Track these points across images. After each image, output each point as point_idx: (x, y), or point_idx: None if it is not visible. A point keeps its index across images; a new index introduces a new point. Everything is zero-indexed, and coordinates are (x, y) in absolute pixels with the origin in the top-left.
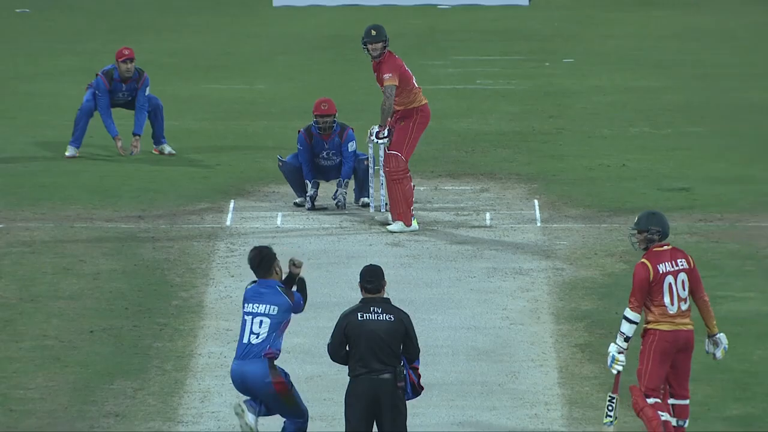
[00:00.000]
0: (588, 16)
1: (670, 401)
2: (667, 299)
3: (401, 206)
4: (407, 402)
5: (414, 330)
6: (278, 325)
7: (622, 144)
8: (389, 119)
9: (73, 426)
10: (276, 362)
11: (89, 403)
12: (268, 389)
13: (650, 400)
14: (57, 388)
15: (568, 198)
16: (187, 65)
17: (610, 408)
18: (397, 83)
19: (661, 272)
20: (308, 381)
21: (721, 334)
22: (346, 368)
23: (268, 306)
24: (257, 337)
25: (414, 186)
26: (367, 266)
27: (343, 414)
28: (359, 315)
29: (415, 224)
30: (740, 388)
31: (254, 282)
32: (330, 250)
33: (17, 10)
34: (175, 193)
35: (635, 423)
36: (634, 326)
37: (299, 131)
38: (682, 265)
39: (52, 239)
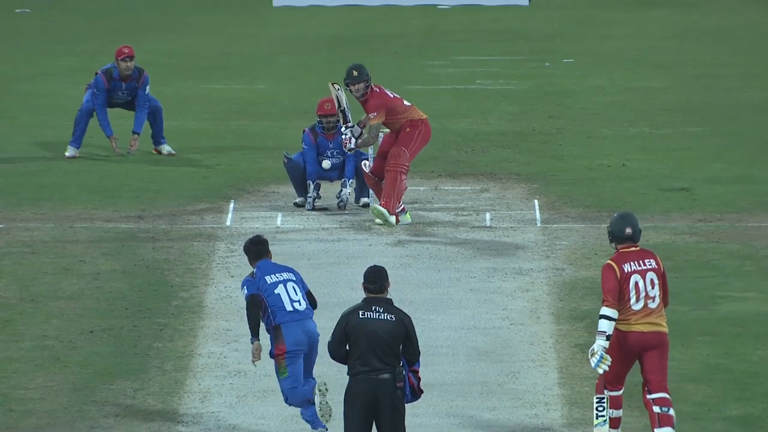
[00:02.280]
0: (588, 16)
1: (650, 396)
2: (633, 297)
3: (392, 196)
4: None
5: (415, 332)
6: (304, 290)
7: (622, 144)
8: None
9: (73, 426)
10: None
11: (89, 403)
12: (317, 343)
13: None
14: (57, 388)
15: (568, 198)
16: (187, 65)
17: (600, 408)
18: (382, 120)
19: (626, 271)
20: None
21: None
22: (345, 368)
23: (286, 272)
24: (300, 304)
25: (407, 187)
26: (370, 267)
27: (343, 413)
28: (360, 314)
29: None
30: (740, 388)
31: (251, 273)
32: (330, 250)
33: (17, 10)
34: (175, 193)
35: (635, 423)
36: (613, 323)
37: (304, 130)
38: (650, 264)
39: (52, 239)
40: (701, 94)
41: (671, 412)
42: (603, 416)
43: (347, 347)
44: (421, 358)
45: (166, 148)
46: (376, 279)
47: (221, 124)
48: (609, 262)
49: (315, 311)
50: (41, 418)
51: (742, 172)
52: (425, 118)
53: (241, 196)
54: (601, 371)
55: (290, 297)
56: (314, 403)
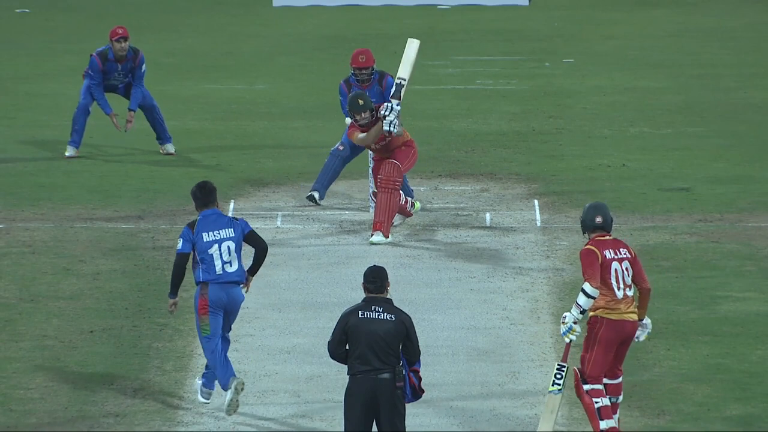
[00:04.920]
0: (588, 16)
1: (604, 381)
2: (614, 284)
3: (384, 216)
4: (407, 404)
5: (415, 332)
6: (239, 247)
7: (622, 144)
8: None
9: (73, 426)
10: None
11: (89, 403)
12: (238, 308)
13: (587, 387)
14: (57, 388)
15: (568, 198)
16: (187, 65)
17: (558, 376)
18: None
19: (607, 257)
20: (308, 381)
21: (648, 319)
22: (345, 368)
23: (226, 229)
24: (230, 266)
25: (407, 201)
26: (370, 267)
27: (343, 413)
28: (360, 313)
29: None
30: (740, 388)
31: (192, 223)
32: (330, 250)
33: (17, 10)
34: (175, 193)
35: (635, 423)
36: (591, 300)
37: (340, 83)
38: (624, 253)
39: (52, 239)
40: (701, 94)
41: (619, 400)
42: (559, 385)
43: (347, 347)
44: (421, 358)
45: (167, 148)
46: (376, 279)
47: (221, 124)
48: (589, 246)
49: (316, 311)
50: (41, 418)
51: (742, 172)
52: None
53: (241, 196)
54: (567, 340)
55: (222, 258)
56: (228, 399)
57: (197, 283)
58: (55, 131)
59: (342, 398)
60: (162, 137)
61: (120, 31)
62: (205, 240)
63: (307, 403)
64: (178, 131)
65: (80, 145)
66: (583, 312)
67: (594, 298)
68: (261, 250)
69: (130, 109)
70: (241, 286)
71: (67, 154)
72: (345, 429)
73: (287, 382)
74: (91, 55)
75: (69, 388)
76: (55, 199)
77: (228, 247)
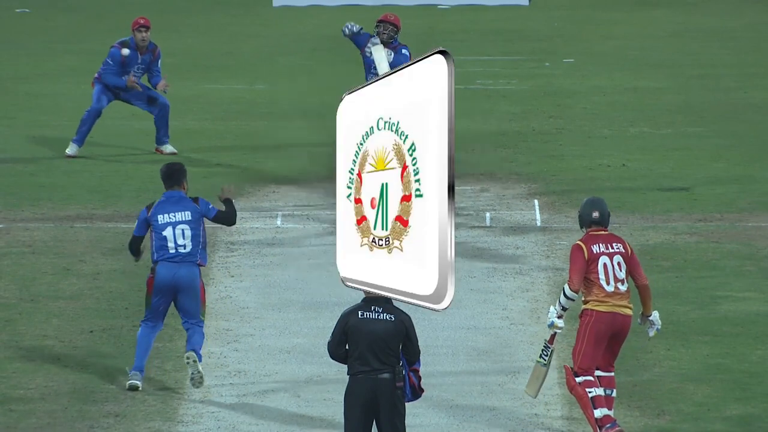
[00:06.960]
0: (588, 16)
1: (597, 373)
2: (602, 278)
3: None
4: (407, 403)
5: (415, 332)
6: (198, 232)
7: (622, 144)
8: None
9: (73, 426)
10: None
11: (89, 403)
12: (193, 285)
13: (579, 379)
14: (57, 388)
15: (568, 198)
16: (187, 65)
17: (544, 353)
18: None
19: (595, 252)
20: (308, 381)
21: (655, 314)
22: (345, 368)
23: (182, 213)
24: (185, 248)
25: None
26: None
27: (343, 413)
28: (360, 314)
29: None
30: (740, 388)
31: (150, 204)
32: (330, 250)
33: (17, 10)
34: None
35: (635, 423)
36: (571, 301)
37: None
38: (617, 248)
39: (52, 239)
40: (701, 94)
41: (614, 394)
42: (544, 360)
43: (347, 347)
44: (421, 358)
45: (168, 148)
46: None
47: (221, 124)
48: (578, 242)
49: (316, 311)
50: (41, 418)
51: (742, 172)
52: None
53: (241, 196)
54: (551, 332)
55: (176, 241)
56: (190, 373)
57: (152, 261)
58: (55, 131)
59: (342, 398)
60: (163, 138)
61: (141, 21)
62: (160, 222)
63: (307, 403)
64: (178, 131)
65: (83, 144)
66: (564, 309)
67: (573, 299)
68: (231, 220)
69: (156, 83)
70: (198, 265)
71: (68, 151)
72: (345, 429)
73: (287, 382)
74: (111, 47)
75: (69, 388)
76: (55, 199)
77: (183, 230)
